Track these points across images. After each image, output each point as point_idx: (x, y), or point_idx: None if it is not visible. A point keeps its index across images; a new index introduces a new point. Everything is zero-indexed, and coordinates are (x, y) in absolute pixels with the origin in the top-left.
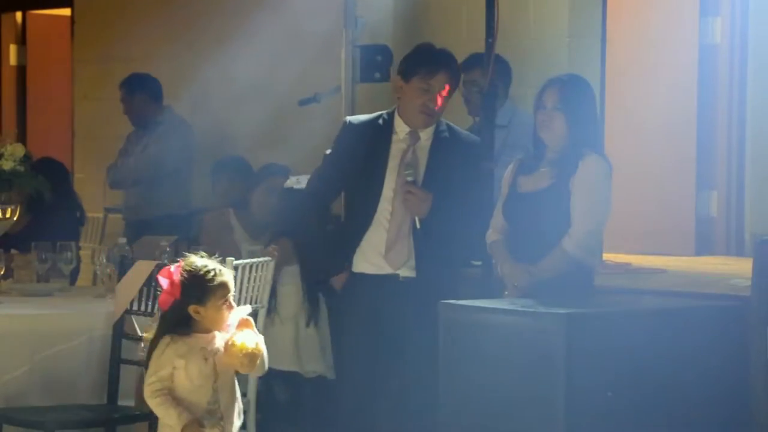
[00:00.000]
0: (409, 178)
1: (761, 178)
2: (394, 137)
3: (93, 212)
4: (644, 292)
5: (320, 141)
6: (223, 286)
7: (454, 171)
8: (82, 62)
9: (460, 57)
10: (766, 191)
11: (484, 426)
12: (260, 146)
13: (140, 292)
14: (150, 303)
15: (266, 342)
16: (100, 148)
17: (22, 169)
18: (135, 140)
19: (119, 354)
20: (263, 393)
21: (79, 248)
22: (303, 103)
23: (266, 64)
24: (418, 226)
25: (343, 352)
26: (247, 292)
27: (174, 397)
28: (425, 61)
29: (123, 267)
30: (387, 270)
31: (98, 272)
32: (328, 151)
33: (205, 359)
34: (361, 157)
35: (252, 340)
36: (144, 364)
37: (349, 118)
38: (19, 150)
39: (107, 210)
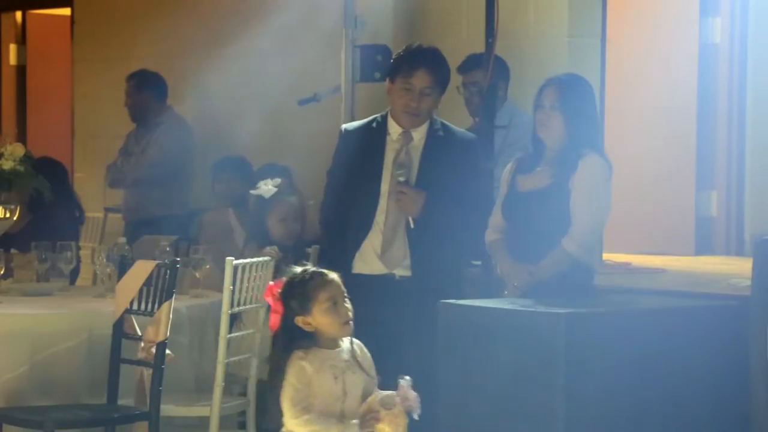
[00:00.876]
0: (401, 179)
1: (761, 178)
2: (388, 138)
3: (93, 212)
4: (644, 292)
5: (320, 141)
6: (322, 287)
7: (449, 169)
8: (82, 62)
9: (460, 57)
10: (766, 191)
11: (483, 426)
12: (260, 146)
13: (140, 291)
14: (150, 303)
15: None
16: (100, 148)
17: (22, 169)
18: (135, 139)
19: (119, 354)
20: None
21: (79, 248)
22: (303, 102)
23: (266, 64)
24: (411, 225)
25: None
26: (246, 292)
27: None
28: (404, 60)
29: (123, 267)
30: (383, 270)
31: (98, 272)
32: (330, 167)
33: (335, 378)
34: (359, 161)
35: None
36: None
37: (344, 126)
38: (19, 150)
39: (107, 210)
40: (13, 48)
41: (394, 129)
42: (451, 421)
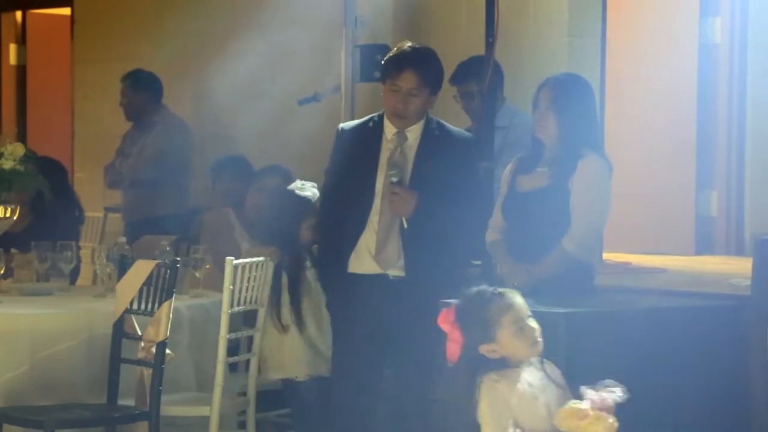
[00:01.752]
0: (394, 179)
1: (761, 178)
2: (384, 138)
3: (93, 212)
4: (644, 291)
5: (320, 140)
6: (506, 312)
7: (444, 169)
8: (82, 62)
9: (461, 57)
10: (766, 191)
11: None
12: (260, 146)
13: (140, 291)
14: (150, 303)
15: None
16: (100, 148)
17: (22, 168)
18: (132, 140)
19: (119, 354)
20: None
21: (79, 248)
22: (303, 102)
23: (266, 64)
24: (405, 225)
25: (337, 352)
26: (246, 291)
27: None
28: (391, 61)
29: (123, 266)
30: (378, 270)
31: (98, 272)
32: (327, 167)
33: (535, 398)
34: (355, 160)
35: None
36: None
37: (341, 125)
38: (19, 150)
39: (107, 209)
40: (13, 48)
41: (389, 129)
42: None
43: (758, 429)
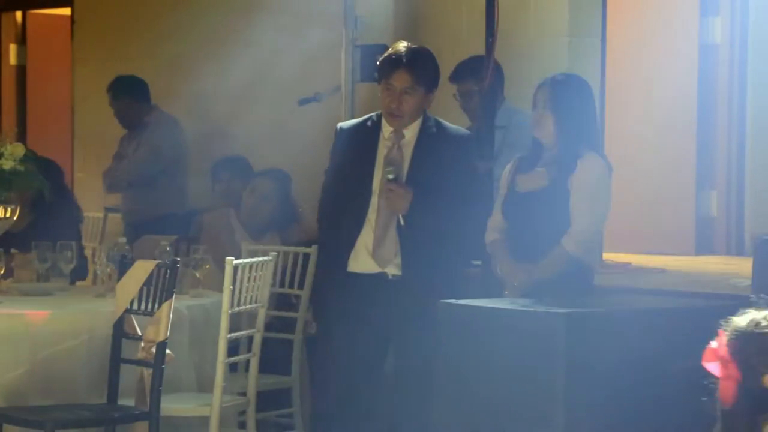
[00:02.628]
0: (390, 176)
1: (761, 178)
2: (381, 136)
3: (93, 212)
4: (644, 292)
5: (320, 140)
6: None
7: (441, 166)
8: (82, 62)
9: (460, 57)
10: (766, 191)
11: (482, 426)
12: (260, 146)
13: (140, 291)
14: (150, 303)
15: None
16: (100, 148)
17: (22, 168)
18: (127, 143)
19: (119, 354)
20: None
21: (82, 248)
22: (303, 102)
23: (266, 64)
24: (402, 223)
25: (336, 352)
26: (246, 291)
27: None
28: (385, 61)
29: (123, 266)
30: (376, 269)
31: (98, 272)
32: (327, 166)
33: None
34: (353, 159)
35: None
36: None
37: (339, 125)
38: (19, 150)
39: (107, 210)
40: (13, 48)
41: (386, 127)
42: (450, 421)
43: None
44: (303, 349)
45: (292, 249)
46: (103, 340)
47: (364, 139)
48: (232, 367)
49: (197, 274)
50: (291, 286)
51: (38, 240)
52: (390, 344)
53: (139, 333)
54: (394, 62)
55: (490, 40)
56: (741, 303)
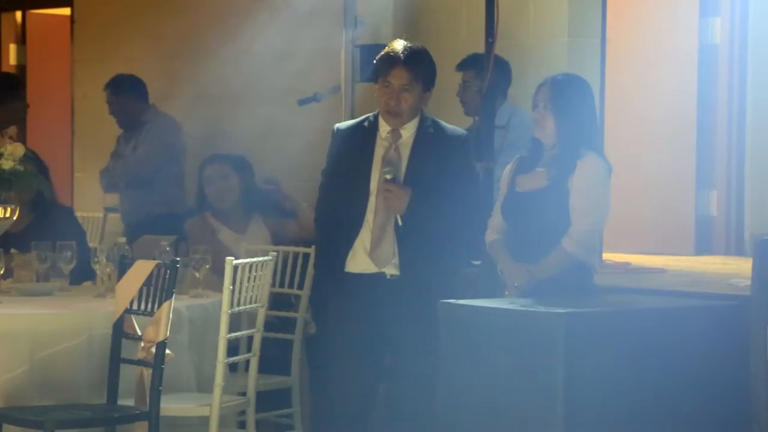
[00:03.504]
0: (388, 176)
1: (761, 178)
2: (378, 136)
3: (93, 212)
4: (644, 291)
5: (320, 140)
6: None
7: (438, 166)
8: (82, 62)
9: (460, 57)
10: (766, 191)
11: (482, 426)
12: (260, 146)
13: (140, 291)
14: (150, 303)
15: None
16: (100, 148)
17: (21, 168)
18: (124, 142)
19: (119, 354)
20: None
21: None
22: (303, 102)
23: (266, 64)
24: (399, 223)
25: (334, 352)
26: (246, 291)
27: None
28: (382, 59)
29: (123, 267)
30: (374, 269)
31: (98, 272)
32: (324, 167)
33: None
34: (350, 159)
35: None
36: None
37: (337, 125)
38: (19, 150)
39: (107, 210)
40: (13, 48)
41: (384, 127)
42: (450, 421)
43: (758, 429)
44: (302, 349)
45: (291, 249)
46: (103, 340)
47: (361, 139)
48: (232, 367)
49: (197, 274)
50: (290, 286)
51: (38, 240)
52: (389, 344)
53: (139, 333)
54: (392, 60)
55: (490, 40)
56: (741, 303)
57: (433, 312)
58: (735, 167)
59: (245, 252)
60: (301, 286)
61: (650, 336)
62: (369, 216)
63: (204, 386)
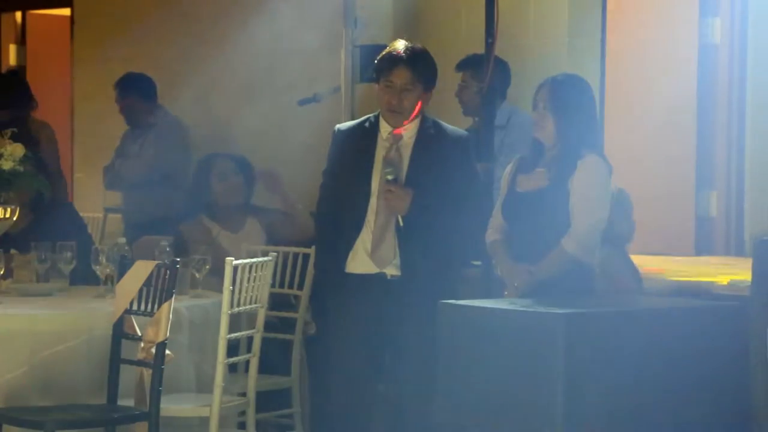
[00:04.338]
0: (389, 177)
1: (761, 178)
2: (379, 138)
3: (93, 212)
4: (644, 292)
5: (320, 141)
6: None
7: (439, 167)
8: (82, 62)
9: (460, 57)
10: (766, 191)
11: (482, 426)
12: (260, 146)
13: (140, 291)
14: (150, 303)
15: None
16: (100, 148)
17: (21, 168)
18: (130, 140)
19: (119, 354)
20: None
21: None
22: (303, 102)
23: (266, 64)
24: (401, 223)
25: (335, 352)
26: (246, 292)
27: None
28: (384, 59)
29: (123, 267)
30: (375, 270)
31: (98, 272)
32: (325, 167)
33: None
34: (351, 160)
35: None
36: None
37: (337, 126)
38: (19, 150)
39: (107, 210)
40: (12, 48)
41: (385, 128)
42: (450, 421)
43: (758, 429)
44: (302, 350)
45: (291, 249)
46: (102, 340)
47: (361, 140)
48: (232, 368)
49: (197, 275)
50: (290, 286)
51: (39, 240)
52: (389, 345)
53: (139, 333)
54: (394, 59)
55: (490, 40)
56: (741, 303)
57: (433, 312)
58: (735, 168)
59: (245, 252)
60: (301, 287)
61: (650, 336)
62: (370, 217)
63: (204, 387)
